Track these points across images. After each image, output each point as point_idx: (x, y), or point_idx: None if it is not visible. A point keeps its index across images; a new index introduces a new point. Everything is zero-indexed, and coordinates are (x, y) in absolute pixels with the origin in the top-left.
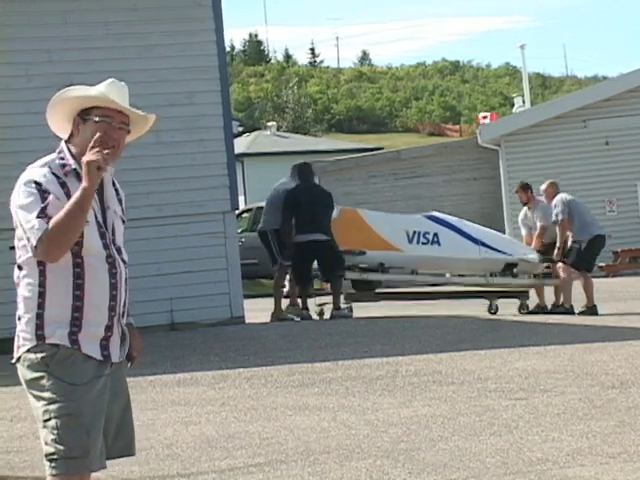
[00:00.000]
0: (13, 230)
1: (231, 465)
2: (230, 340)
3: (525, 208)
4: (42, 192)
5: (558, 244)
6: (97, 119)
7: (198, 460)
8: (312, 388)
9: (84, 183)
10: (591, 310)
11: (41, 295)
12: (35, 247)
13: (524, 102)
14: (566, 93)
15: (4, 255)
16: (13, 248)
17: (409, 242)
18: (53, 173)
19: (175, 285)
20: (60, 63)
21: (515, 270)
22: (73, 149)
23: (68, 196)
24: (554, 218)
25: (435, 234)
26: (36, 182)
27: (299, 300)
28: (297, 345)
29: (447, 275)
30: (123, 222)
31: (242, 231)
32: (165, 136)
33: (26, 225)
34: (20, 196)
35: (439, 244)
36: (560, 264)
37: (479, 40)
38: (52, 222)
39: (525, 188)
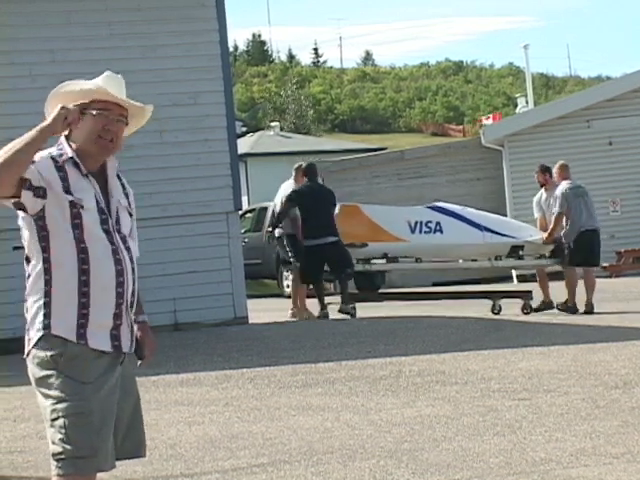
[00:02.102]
0: (16, 230)
1: (234, 465)
2: (233, 340)
3: (542, 190)
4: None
5: (549, 232)
6: (95, 112)
7: (201, 460)
8: (315, 388)
9: (45, 121)
10: (571, 308)
11: (47, 283)
12: None
13: (527, 102)
14: (569, 93)
15: (7, 255)
16: (17, 249)
17: (412, 232)
18: (52, 157)
19: (178, 285)
20: (64, 63)
21: (521, 252)
22: (73, 144)
23: (64, 180)
24: (554, 209)
25: (437, 222)
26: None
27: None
28: (300, 345)
29: (460, 261)
30: (130, 215)
31: (245, 231)
32: (169, 136)
33: None
34: None
35: (442, 232)
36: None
37: (482, 40)
38: (3, 150)
39: (544, 170)
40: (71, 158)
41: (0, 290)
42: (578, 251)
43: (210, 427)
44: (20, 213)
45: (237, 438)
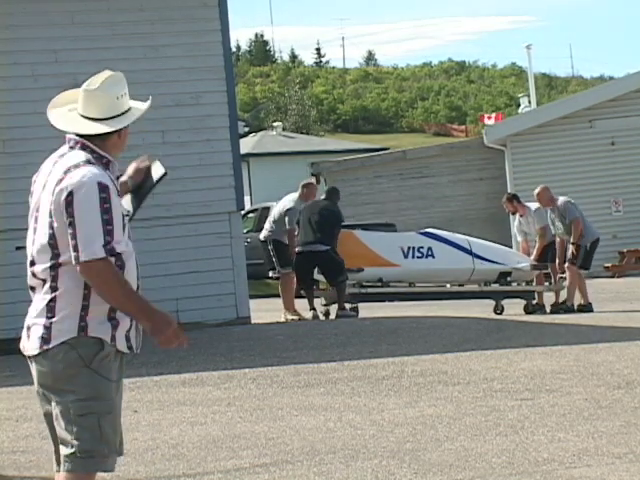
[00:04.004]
0: (19, 230)
1: (237, 465)
2: (236, 340)
3: (517, 216)
4: (108, 201)
5: (573, 240)
6: None
7: (204, 460)
8: (318, 388)
9: (162, 327)
10: (587, 307)
11: (87, 286)
12: (79, 261)
13: (530, 102)
14: (572, 93)
15: (11, 255)
16: (19, 248)
17: (405, 257)
18: (101, 170)
19: (181, 285)
20: (67, 63)
21: (509, 278)
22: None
23: (117, 189)
24: (570, 218)
25: (429, 248)
26: (100, 184)
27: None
28: (303, 345)
29: (447, 286)
30: None
31: (248, 231)
32: (171, 136)
33: (87, 232)
34: (86, 198)
35: (433, 257)
36: (567, 265)
37: (485, 40)
38: (114, 284)
39: (510, 199)
40: (111, 162)
41: (1, 290)
42: (590, 256)
43: (212, 427)
44: (55, 223)
45: (239, 438)
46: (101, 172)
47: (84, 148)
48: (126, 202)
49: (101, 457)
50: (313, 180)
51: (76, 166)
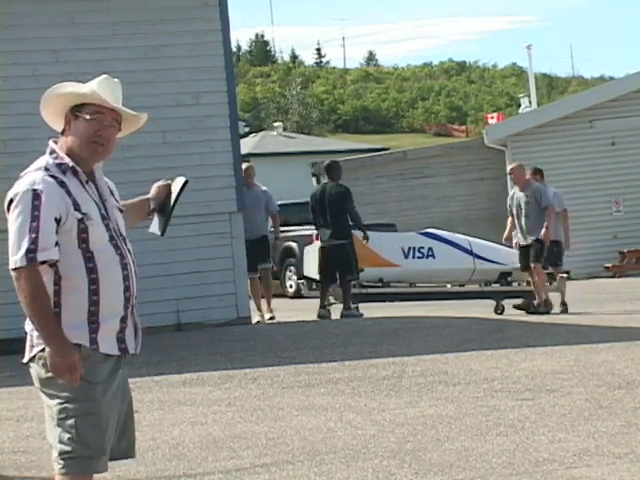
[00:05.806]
0: None
1: (237, 465)
2: (236, 340)
3: (552, 187)
4: (38, 209)
5: (546, 226)
6: (88, 117)
7: (204, 460)
8: (318, 388)
9: (55, 357)
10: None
11: (56, 293)
12: (11, 268)
13: (530, 102)
14: (573, 93)
15: (7, 256)
16: None
17: (405, 257)
18: (51, 175)
19: (181, 285)
20: (68, 63)
21: (509, 278)
22: (64, 145)
23: (69, 194)
24: (545, 204)
25: (430, 248)
26: (35, 191)
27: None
28: (303, 345)
29: (448, 286)
30: (121, 211)
31: None
32: (171, 136)
33: (15, 240)
34: (18, 207)
35: (434, 257)
36: (555, 270)
37: (485, 40)
38: (31, 288)
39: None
40: (72, 167)
41: (1, 290)
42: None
43: (213, 427)
44: None
45: (240, 438)
46: (44, 178)
47: (51, 152)
48: (154, 223)
49: (84, 459)
50: (250, 163)
51: (26, 173)
